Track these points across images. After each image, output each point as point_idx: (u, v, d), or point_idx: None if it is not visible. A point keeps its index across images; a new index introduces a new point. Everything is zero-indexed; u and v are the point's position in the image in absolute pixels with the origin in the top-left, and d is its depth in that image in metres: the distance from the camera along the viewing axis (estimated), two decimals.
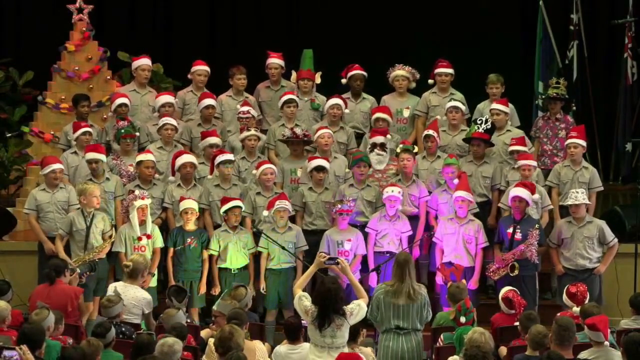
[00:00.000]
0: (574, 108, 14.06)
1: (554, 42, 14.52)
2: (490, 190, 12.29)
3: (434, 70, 13.07)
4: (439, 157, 12.31)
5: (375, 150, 12.17)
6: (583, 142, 12.14)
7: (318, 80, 13.18)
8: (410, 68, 13.03)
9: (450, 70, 13.00)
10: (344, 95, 12.96)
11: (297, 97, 12.85)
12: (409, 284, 9.18)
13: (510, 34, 15.90)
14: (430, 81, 13.10)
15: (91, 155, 11.87)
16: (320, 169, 11.90)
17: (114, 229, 11.67)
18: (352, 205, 11.60)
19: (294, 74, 13.28)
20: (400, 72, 13.01)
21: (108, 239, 11.47)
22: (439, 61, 13.07)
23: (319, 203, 11.98)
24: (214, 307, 10.23)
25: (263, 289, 11.54)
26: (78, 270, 10.83)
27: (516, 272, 11.30)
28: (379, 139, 12.18)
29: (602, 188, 12.36)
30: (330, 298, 8.65)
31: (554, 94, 12.83)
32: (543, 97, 13.26)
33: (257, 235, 11.69)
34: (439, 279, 11.55)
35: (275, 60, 13.20)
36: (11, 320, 9.30)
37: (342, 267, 9.32)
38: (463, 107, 12.68)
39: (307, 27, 16.03)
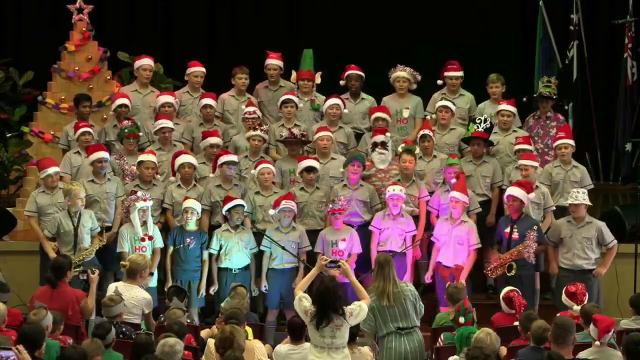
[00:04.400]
0: (565, 107, 14.09)
1: (554, 42, 14.52)
2: (490, 190, 12.31)
3: (443, 71, 13.07)
4: (435, 156, 12.32)
5: (377, 149, 12.18)
6: (572, 142, 12.18)
7: (318, 80, 13.18)
8: (411, 70, 13.04)
9: (460, 74, 13.00)
10: (342, 96, 12.98)
11: (297, 97, 12.86)
12: (390, 285, 9.24)
13: (510, 34, 15.89)
14: (439, 82, 13.11)
15: (98, 154, 11.86)
16: (310, 169, 11.93)
17: (102, 230, 11.65)
18: (345, 204, 11.62)
19: (294, 74, 13.28)
20: (401, 73, 13.01)
21: (97, 237, 11.45)
22: (448, 63, 13.05)
23: (311, 203, 12.00)
24: (223, 305, 10.20)
25: (265, 288, 11.54)
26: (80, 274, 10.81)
27: (513, 272, 11.29)
28: (379, 137, 12.20)
29: (592, 186, 12.38)
30: (329, 296, 8.66)
31: (546, 93, 12.85)
32: (534, 95, 13.28)
33: (257, 235, 11.70)
34: (427, 276, 11.60)
35: (273, 61, 13.20)
36: (8, 320, 9.24)
37: (343, 270, 9.32)
38: (454, 108, 12.68)
39: (307, 27, 16.02)
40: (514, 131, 12.66)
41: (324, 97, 13.04)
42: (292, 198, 11.65)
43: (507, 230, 11.47)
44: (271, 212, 11.62)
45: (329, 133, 12.33)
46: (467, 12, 15.74)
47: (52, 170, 11.81)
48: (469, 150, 12.43)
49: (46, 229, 11.52)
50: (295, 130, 12.40)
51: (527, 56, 15.40)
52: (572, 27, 14.81)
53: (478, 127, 12.17)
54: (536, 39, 14.64)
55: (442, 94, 13.08)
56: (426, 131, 12.26)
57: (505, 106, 12.58)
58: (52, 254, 11.36)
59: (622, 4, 15.03)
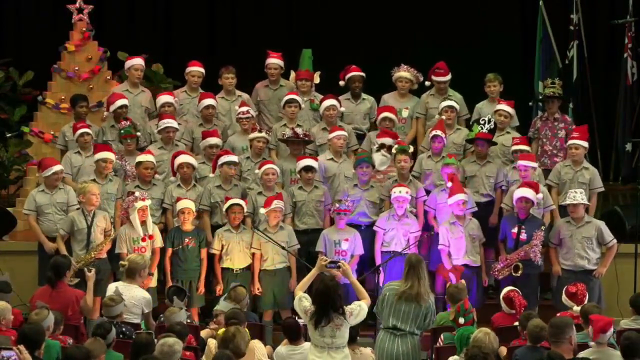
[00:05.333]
0: (571, 106, 14.09)
1: (554, 42, 14.52)
2: (494, 190, 12.32)
3: (430, 73, 13.06)
4: (443, 157, 12.32)
5: (382, 150, 12.20)
6: (585, 143, 12.15)
7: (317, 80, 13.20)
8: (414, 70, 13.06)
9: (446, 78, 12.98)
10: (343, 96, 12.99)
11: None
12: (420, 287, 9.15)
13: (510, 34, 15.89)
14: (428, 83, 13.12)
15: (104, 154, 11.86)
16: (308, 168, 11.94)
17: (113, 229, 11.67)
18: (351, 205, 11.62)
19: (292, 74, 13.28)
20: (404, 73, 13.04)
21: (108, 237, 11.46)
22: (436, 66, 13.04)
23: (309, 202, 12.01)
24: (217, 307, 10.23)
25: (259, 290, 11.54)
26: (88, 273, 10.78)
27: (520, 272, 11.31)
28: (388, 140, 12.21)
29: (602, 189, 12.35)
30: (329, 295, 8.67)
31: (550, 93, 12.85)
32: (540, 97, 13.29)
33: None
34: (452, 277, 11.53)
35: (274, 60, 13.20)
36: (12, 320, 9.26)
37: (343, 270, 9.32)
38: (458, 107, 12.70)
39: (307, 27, 16.02)
40: (508, 132, 12.66)
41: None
42: (282, 198, 11.65)
43: (515, 230, 11.48)
44: (262, 211, 11.63)
45: (344, 133, 12.35)
46: (467, 12, 15.74)
47: (57, 167, 11.81)
48: (473, 150, 12.43)
49: (61, 228, 11.54)
50: (299, 130, 12.40)
51: (527, 56, 15.40)
52: (572, 27, 14.80)
53: (482, 128, 12.17)
54: (536, 39, 14.64)
55: (431, 94, 13.10)
56: (438, 132, 12.26)
57: (503, 106, 12.58)
58: (50, 245, 11.48)
59: (622, 4, 15.02)
